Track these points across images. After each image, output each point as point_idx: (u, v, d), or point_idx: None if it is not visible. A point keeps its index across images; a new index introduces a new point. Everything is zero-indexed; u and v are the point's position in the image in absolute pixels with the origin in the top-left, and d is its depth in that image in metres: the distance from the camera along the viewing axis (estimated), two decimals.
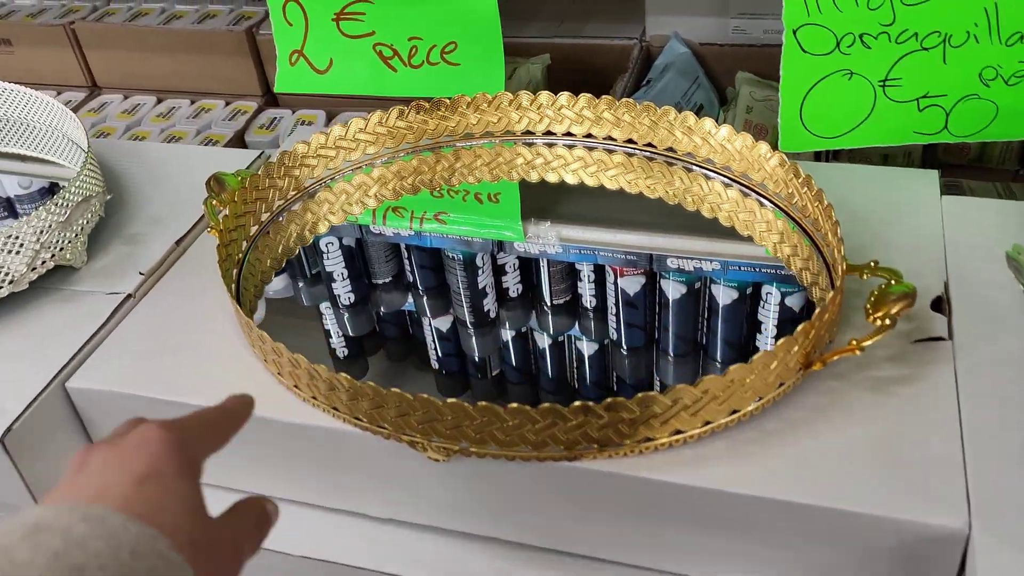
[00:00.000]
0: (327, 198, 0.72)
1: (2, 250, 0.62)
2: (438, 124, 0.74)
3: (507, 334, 0.65)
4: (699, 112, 0.93)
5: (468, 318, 0.66)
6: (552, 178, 0.73)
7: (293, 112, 1.07)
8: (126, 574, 0.28)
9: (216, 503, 0.36)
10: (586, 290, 0.65)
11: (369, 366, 0.64)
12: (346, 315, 0.68)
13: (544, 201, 0.73)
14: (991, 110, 0.66)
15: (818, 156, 0.83)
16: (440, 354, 0.65)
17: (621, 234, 0.68)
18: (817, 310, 0.50)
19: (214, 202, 0.65)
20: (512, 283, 0.67)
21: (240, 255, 0.65)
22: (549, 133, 0.74)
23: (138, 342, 0.61)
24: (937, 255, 0.61)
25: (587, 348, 0.64)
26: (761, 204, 0.66)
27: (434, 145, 0.75)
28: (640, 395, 0.46)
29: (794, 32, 0.65)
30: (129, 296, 0.65)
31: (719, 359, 0.61)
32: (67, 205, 0.65)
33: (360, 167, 0.74)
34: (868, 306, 0.52)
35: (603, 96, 0.71)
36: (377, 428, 0.51)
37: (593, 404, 0.46)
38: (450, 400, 0.47)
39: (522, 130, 0.74)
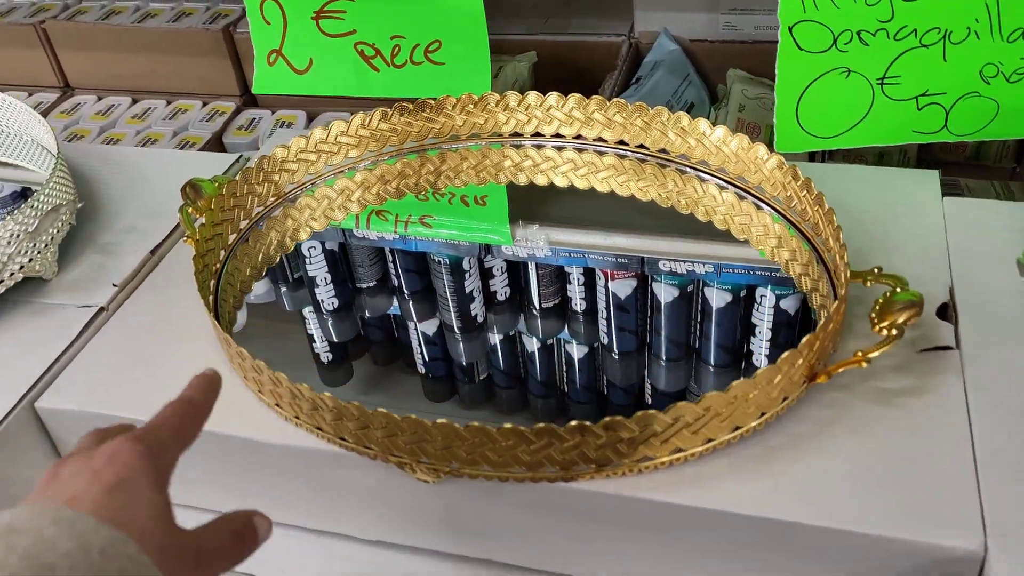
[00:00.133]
0: (308, 204, 0.70)
1: None
2: (423, 126, 0.72)
3: (495, 338, 0.64)
4: (690, 110, 0.92)
5: (455, 323, 0.65)
6: (541, 181, 0.71)
7: (273, 113, 1.05)
8: (96, 573, 0.29)
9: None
10: (575, 293, 0.64)
11: (354, 371, 0.63)
12: (330, 320, 0.67)
13: (533, 203, 0.71)
14: (992, 108, 0.65)
15: (812, 155, 0.82)
16: (427, 358, 0.64)
17: (612, 237, 0.66)
18: (821, 321, 0.48)
19: (190, 210, 0.62)
20: (500, 286, 0.66)
21: (218, 265, 0.62)
22: (538, 135, 0.72)
23: (111, 358, 0.58)
24: (940, 259, 0.59)
25: (577, 352, 0.62)
26: (758, 207, 0.64)
27: (419, 148, 0.73)
28: (640, 413, 0.44)
29: (790, 29, 0.63)
30: (102, 309, 0.62)
31: (712, 363, 0.59)
32: (36, 214, 0.63)
33: (342, 171, 0.72)
34: (873, 315, 0.50)
35: (593, 96, 0.69)
36: (363, 449, 0.49)
37: (590, 424, 0.44)
38: (440, 421, 0.45)
39: (510, 132, 0.72)
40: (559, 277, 0.64)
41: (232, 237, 0.65)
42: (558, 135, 0.72)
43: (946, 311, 0.55)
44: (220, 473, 0.54)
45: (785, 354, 0.46)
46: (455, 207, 0.71)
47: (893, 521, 0.44)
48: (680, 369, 0.60)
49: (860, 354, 0.48)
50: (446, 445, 0.46)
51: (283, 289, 0.68)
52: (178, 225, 0.70)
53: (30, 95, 1.14)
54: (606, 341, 0.62)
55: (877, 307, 0.50)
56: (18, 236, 0.61)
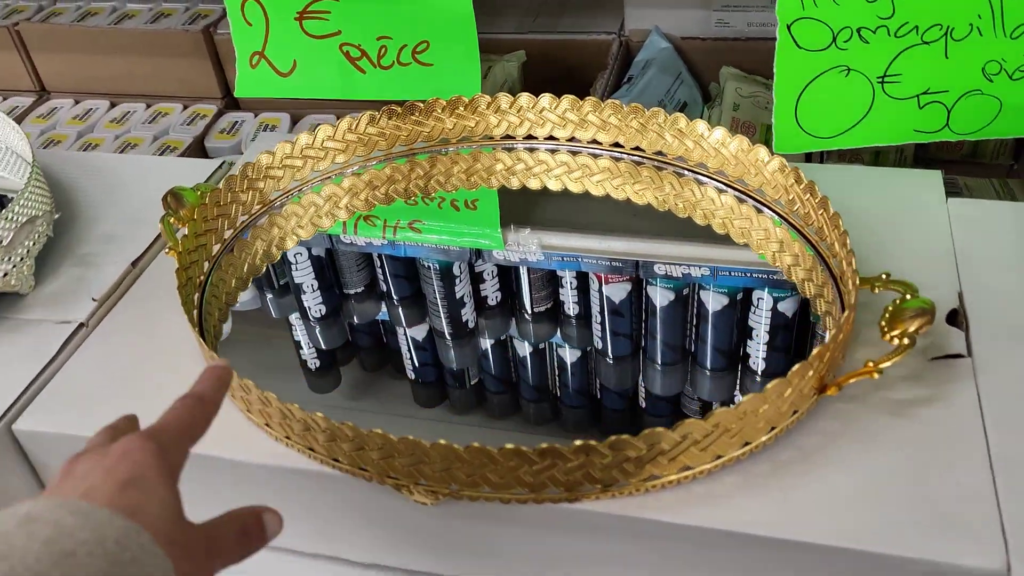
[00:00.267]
0: (295, 211, 0.68)
1: None
2: (412, 129, 0.70)
3: (486, 343, 0.63)
4: (683, 110, 0.90)
5: (446, 328, 0.63)
6: (534, 184, 0.69)
7: (256, 115, 1.03)
8: (112, 561, 0.30)
9: None
10: (568, 297, 0.63)
11: (342, 377, 0.62)
12: (317, 328, 0.65)
13: (525, 207, 0.70)
14: (994, 106, 0.64)
15: (809, 155, 0.80)
16: (416, 364, 0.63)
17: (606, 240, 0.65)
18: (831, 331, 0.46)
19: (172, 220, 0.60)
20: (491, 291, 0.64)
21: (202, 277, 0.60)
22: (530, 137, 0.70)
23: (92, 377, 0.56)
24: (948, 264, 0.58)
25: (569, 356, 0.61)
26: (759, 211, 0.62)
27: (408, 152, 0.71)
28: (647, 431, 0.42)
29: (788, 27, 0.62)
30: (81, 325, 0.60)
31: (708, 367, 0.58)
32: (11, 226, 0.60)
33: (329, 177, 0.70)
34: (883, 323, 0.48)
35: (587, 97, 0.67)
36: (358, 471, 0.47)
37: (596, 443, 0.42)
38: (439, 442, 0.43)
39: (502, 134, 0.70)
40: (551, 281, 0.63)
41: (216, 248, 0.63)
42: (551, 138, 0.70)
43: (956, 317, 0.53)
44: (208, 496, 0.52)
45: (796, 366, 0.44)
46: (445, 211, 0.69)
47: (909, 540, 0.42)
48: (676, 373, 0.59)
49: (871, 364, 0.46)
50: (445, 467, 0.44)
51: (269, 296, 0.66)
52: (160, 235, 0.67)
53: (4, 99, 1.12)
54: (600, 346, 0.61)
55: (887, 315, 0.48)
56: None
